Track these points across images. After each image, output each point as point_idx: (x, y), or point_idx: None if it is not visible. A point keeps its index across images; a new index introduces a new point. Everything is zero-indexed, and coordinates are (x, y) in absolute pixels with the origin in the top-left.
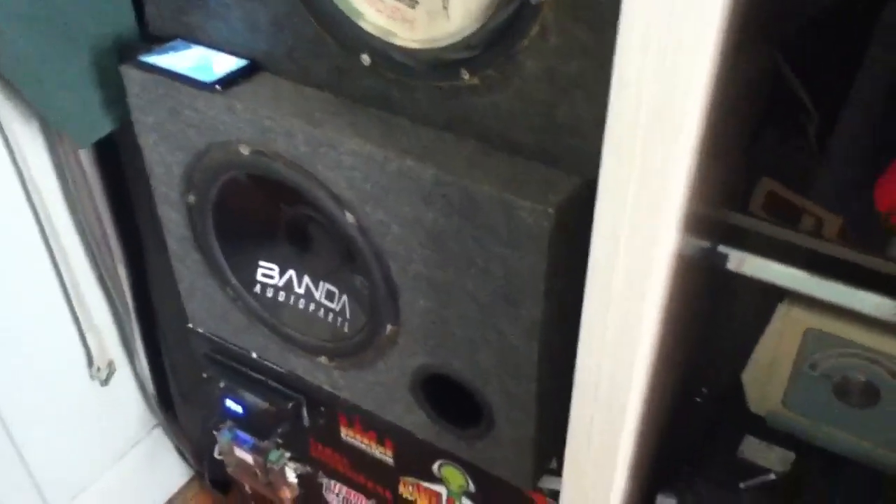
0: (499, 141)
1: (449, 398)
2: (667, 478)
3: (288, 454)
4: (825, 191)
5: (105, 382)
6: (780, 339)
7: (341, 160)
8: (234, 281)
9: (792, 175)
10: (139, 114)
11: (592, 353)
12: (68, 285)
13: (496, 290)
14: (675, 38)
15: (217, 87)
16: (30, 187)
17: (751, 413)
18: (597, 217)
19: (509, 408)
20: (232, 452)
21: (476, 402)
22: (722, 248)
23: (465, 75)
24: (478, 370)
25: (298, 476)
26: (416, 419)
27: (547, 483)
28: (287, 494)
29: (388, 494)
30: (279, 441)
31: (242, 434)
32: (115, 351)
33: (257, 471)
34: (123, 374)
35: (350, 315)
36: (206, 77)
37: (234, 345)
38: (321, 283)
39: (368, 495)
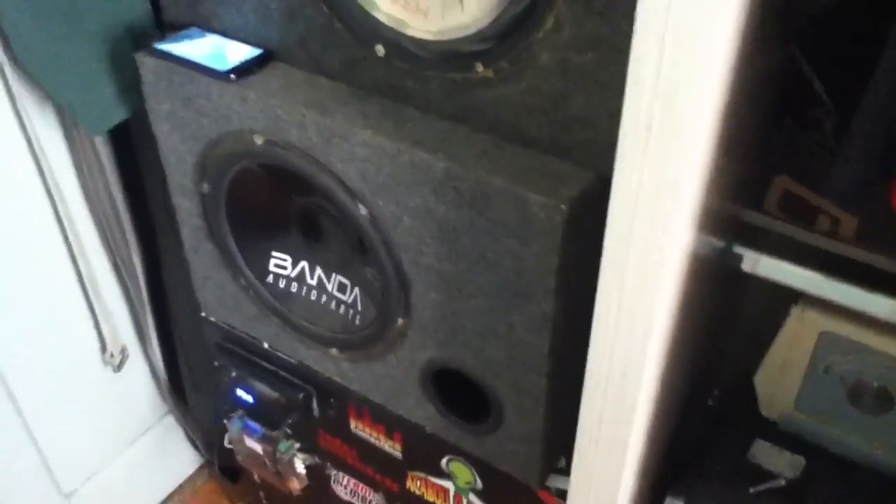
0: (511, 134)
1: (459, 392)
2: (676, 479)
3: (297, 445)
4: (840, 189)
5: (118, 369)
6: (794, 342)
7: (354, 151)
8: (246, 271)
9: (808, 172)
10: (153, 102)
11: (603, 351)
12: (83, 272)
13: (507, 285)
14: (691, 30)
15: (231, 76)
16: (46, 175)
17: (762, 416)
18: (610, 212)
19: (519, 403)
20: (242, 441)
21: (485, 397)
22: (737, 249)
23: (479, 67)
24: (488, 365)
25: (307, 467)
26: (425, 413)
27: (555, 482)
28: (295, 485)
29: (395, 488)
30: (289, 431)
31: (252, 423)
32: (129, 338)
33: (266, 460)
34: (136, 361)
35: (361, 307)
36: (220, 66)
37: (246, 334)
38: (333, 275)
39: (376, 488)
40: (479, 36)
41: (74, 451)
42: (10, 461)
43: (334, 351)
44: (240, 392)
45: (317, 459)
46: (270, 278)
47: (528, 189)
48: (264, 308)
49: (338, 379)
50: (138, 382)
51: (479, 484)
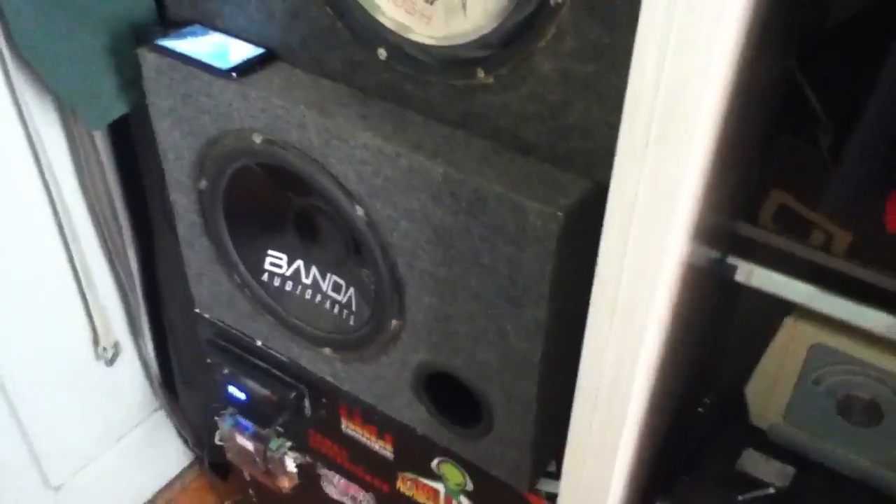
0: (511, 140)
1: (450, 395)
2: (665, 486)
3: (288, 443)
4: (835, 205)
5: (110, 363)
6: (785, 353)
7: (353, 153)
8: (241, 268)
9: (804, 187)
10: (154, 97)
11: (595, 358)
12: (77, 265)
13: (501, 290)
14: (691, 44)
15: (232, 74)
16: (44, 168)
17: (752, 426)
18: (606, 222)
19: (509, 408)
20: (233, 438)
21: (477, 401)
22: (731, 260)
23: (480, 74)
24: (480, 369)
25: (298, 465)
26: (416, 415)
27: (545, 486)
28: (285, 483)
29: (385, 488)
30: (280, 430)
31: (244, 421)
32: (121, 332)
33: (257, 458)
34: (128, 355)
35: (356, 308)
36: (222, 63)
37: (239, 332)
38: (328, 275)
39: (367, 488)
40: (482, 43)
41: (64, 444)
42: (0, 453)
43: (327, 351)
44: (232, 389)
45: (308, 458)
46: (265, 276)
47: (526, 196)
48: (258, 306)
49: (330, 379)
50: (130, 377)
51: (470, 486)
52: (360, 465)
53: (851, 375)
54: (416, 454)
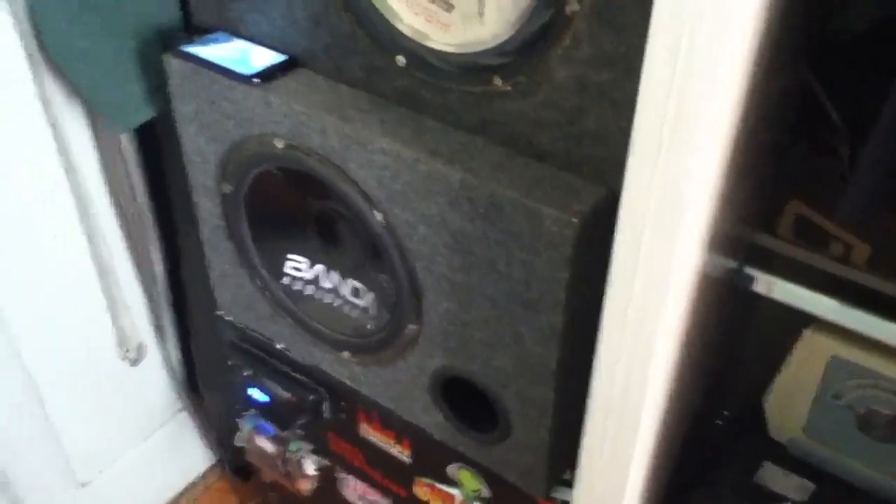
0: (527, 147)
1: (467, 401)
2: (681, 498)
3: (308, 446)
4: (853, 216)
5: (135, 363)
6: (804, 366)
7: (372, 159)
8: (263, 271)
9: (822, 197)
10: (179, 103)
11: (607, 366)
12: (102, 266)
13: (517, 296)
14: (704, 52)
15: (255, 80)
16: (70, 167)
17: (771, 439)
18: (617, 229)
19: (526, 414)
20: (253, 441)
21: (493, 407)
22: (749, 270)
23: (497, 81)
24: (496, 374)
25: (317, 469)
26: (433, 419)
27: (561, 494)
28: (305, 486)
29: (402, 493)
30: (300, 432)
31: (264, 423)
32: (146, 333)
33: (277, 460)
34: (153, 356)
35: (374, 312)
36: (245, 70)
37: (260, 334)
38: (348, 280)
39: (384, 493)
40: (499, 50)
41: (91, 443)
42: (30, 449)
43: (346, 354)
44: (252, 391)
45: (327, 461)
46: (286, 280)
47: (541, 202)
48: (279, 309)
49: (348, 382)
50: (155, 378)
51: (486, 492)
52: (378, 469)
53: (872, 390)
54: (432, 459)
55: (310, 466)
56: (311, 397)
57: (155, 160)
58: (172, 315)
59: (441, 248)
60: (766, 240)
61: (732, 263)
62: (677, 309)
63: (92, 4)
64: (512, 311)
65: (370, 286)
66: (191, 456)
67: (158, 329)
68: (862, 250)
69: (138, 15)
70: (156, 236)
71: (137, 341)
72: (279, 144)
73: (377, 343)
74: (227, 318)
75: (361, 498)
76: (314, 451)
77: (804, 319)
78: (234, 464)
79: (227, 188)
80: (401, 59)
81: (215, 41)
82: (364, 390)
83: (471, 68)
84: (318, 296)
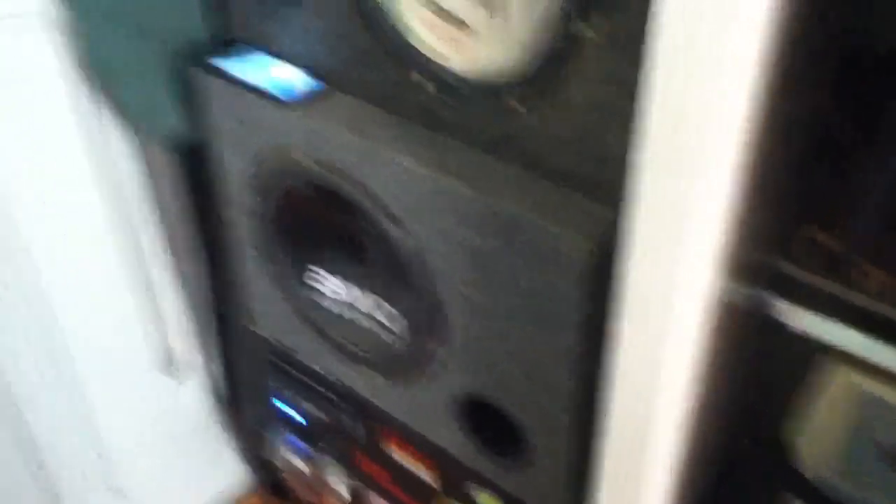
0: (542, 167)
1: (489, 423)
2: None
3: (338, 464)
4: (866, 242)
5: (176, 376)
6: (833, 401)
7: (393, 176)
8: (291, 286)
9: (837, 222)
10: (206, 117)
11: (619, 393)
12: (147, 283)
13: (534, 316)
14: (713, 70)
15: (280, 97)
16: (114, 183)
17: (797, 473)
18: (627, 252)
19: (546, 438)
20: (286, 458)
21: (513, 429)
22: (767, 297)
23: (512, 101)
24: (514, 395)
25: (346, 487)
26: (454, 440)
27: None
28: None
29: None
30: (331, 450)
31: (296, 440)
32: (187, 348)
33: (308, 478)
34: (193, 370)
35: (398, 330)
36: (270, 86)
37: (291, 350)
38: (373, 297)
39: None
40: (513, 72)
41: (131, 453)
42: (73, 455)
43: (371, 372)
44: (285, 408)
45: (355, 480)
46: (315, 295)
47: (556, 223)
48: (307, 324)
49: (375, 401)
50: (193, 391)
51: None
52: (402, 489)
53: None
54: (454, 481)
55: (340, 485)
56: (342, 415)
57: (198, 174)
58: (214, 331)
59: (460, 267)
60: (782, 265)
61: (750, 289)
62: (690, 334)
63: (124, 20)
64: (529, 332)
65: (394, 304)
66: (227, 470)
67: (200, 344)
68: (876, 277)
69: (168, 31)
70: (200, 252)
71: (179, 355)
72: (304, 160)
73: (398, 361)
74: (260, 334)
75: None
76: (344, 470)
77: (827, 347)
78: (269, 481)
79: (255, 203)
80: (416, 77)
81: (243, 57)
82: (390, 410)
83: (485, 88)
84: (344, 312)
